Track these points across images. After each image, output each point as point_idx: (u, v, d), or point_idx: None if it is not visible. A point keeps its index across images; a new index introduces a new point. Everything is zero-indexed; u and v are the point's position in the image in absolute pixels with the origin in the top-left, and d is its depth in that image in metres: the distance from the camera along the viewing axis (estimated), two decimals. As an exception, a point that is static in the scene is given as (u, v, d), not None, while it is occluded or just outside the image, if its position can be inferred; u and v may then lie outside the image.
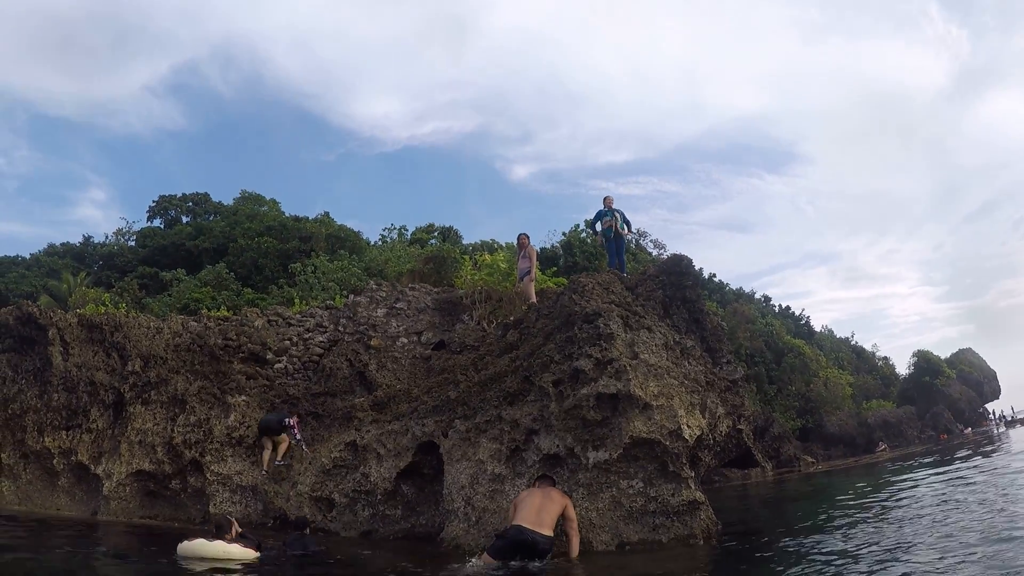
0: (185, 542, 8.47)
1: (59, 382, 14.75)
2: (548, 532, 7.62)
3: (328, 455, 12.14)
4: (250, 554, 8.33)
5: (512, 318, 13.34)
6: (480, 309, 15.09)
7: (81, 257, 44.33)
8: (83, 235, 50.90)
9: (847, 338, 62.94)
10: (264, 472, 12.54)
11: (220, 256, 35.20)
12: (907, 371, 57.19)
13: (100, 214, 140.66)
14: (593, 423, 8.98)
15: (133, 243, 45.80)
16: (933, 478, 15.06)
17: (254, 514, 12.57)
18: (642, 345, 9.79)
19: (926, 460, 21.36)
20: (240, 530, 8.82)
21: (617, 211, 15.03)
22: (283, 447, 12.60)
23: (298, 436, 12.51)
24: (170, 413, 13.87)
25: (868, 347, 64.11)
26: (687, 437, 8.82)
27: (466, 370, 11.55)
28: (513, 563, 7.41)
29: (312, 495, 12.00)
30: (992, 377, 63.06)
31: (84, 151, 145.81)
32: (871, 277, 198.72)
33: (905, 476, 16.91)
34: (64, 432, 14.54)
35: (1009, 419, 61.71)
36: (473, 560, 7.68)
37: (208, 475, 13.00)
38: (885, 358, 63.45)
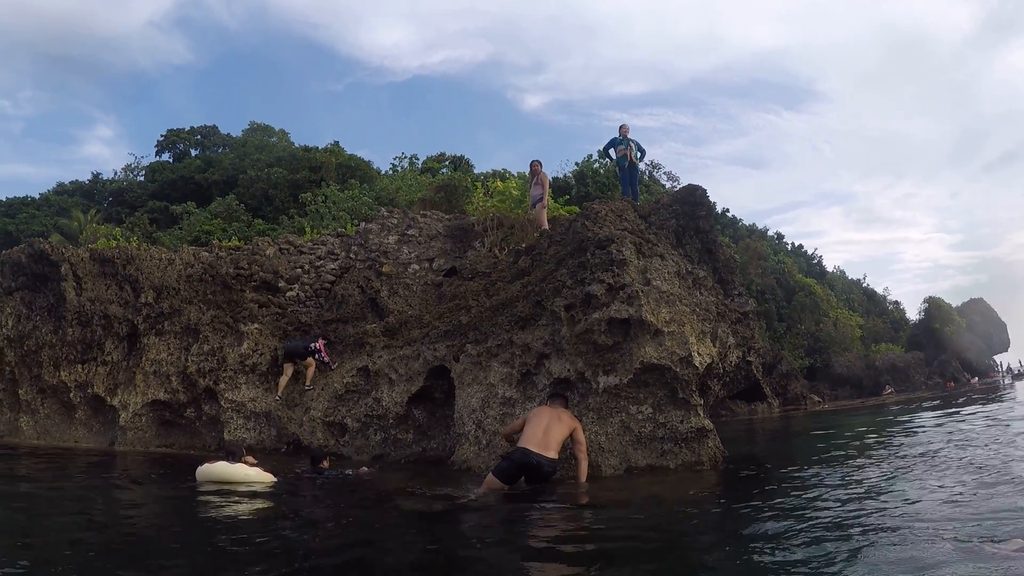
0: (205, 465, 8.60)
1: (73, 317, 14.87)
2: (553, 455, 7.64)
3: (340, 380, 12.25)
4: (268, 478, 8.46)
5: (524, 245, 13.27)
6: (492, 236, 14.99)
7: (91, 194, 44.27)
8: (92, 172, 50.85)
9: (859, 280, 62.57)
10: (278, 397, 12.68)
11: (230, 188, 35.07)
12: (917, 317, 56.93)
13: (108, 151, 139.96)
14: (604, 348, 8.98)
15: (142, 178, 45.70)
16: (937, 421, 15.10)
17: (268, 440, 12.78)
18: (654, 272, 9.73)
19: (931, 405, 21.40)
20: (252, 460, 8.92)
21: (632, 140, 14.79)
22: (310, 371, 12.65)
23: (326, 359, 12.64)
24: (184, 343, 14.01)
25: (879, 290, 63.78)
26: (697, 364, 8.82)
27: (478, 296, 11.55)
28: (517, 484, 7.51)
29: (325, 420, 12.16)
30: (1002, 329, 62.59)
31: (89, 89, 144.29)
32: (886, 220, 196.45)
33: (910, 418, 16.98)
34: (80, 366, 14.72)
35: (1017, 372, 61.72)
36: (476, 491, 7.66)
37: (222, 402, 13.19)
38: (896, 302, 63.22)
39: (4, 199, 43.05)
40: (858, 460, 9.06)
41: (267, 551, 5.45)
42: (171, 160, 47.80)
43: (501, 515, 6.65)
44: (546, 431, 7.69)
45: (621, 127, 15.02)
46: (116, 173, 48.42)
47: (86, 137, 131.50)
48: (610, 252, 9.52)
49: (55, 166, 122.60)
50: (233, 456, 8.65)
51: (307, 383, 12.61)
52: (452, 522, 6.57)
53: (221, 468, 8.43)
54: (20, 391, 15.18)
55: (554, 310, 9.55)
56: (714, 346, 9.94)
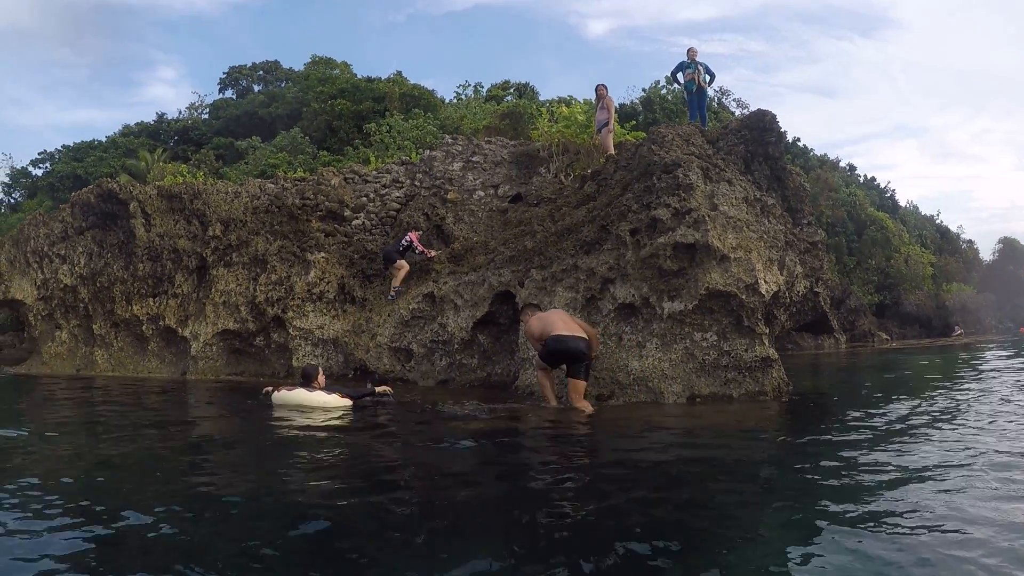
0: (284, 391, 8.78)
1: (143, 252, 15.38)
2: (583, 335, 8.01)
3: (406, 306, 12.42)
4: (345, 403, 8.64)
5: (590, 170, 13.10)
6: (557, 161, 14.85)
7: (156, 134, 44.90)
8: (156, 113, 51.41)
9: (932, 216, 59.72)
10: (391, 296, 12.98)
11: (294, 122, 35.19)
12: (991, 257, 54.70)
13: (172, 92, 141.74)
14: (669, 273, 8.88)
15: (206, 116, 46.25)
16: (1011, 364, 14.51)
17: (335, 366, 13.13)
18: (722, 197, 9.51)
19: (1002, 351, 20.52)
20: (322, 381, 9.12)
21: (700, 64, 14.34)
22: (401, 274, 12.86)
23: (420, 249, 12.91)
24: (252, 273, 14.38)
25: (953, 228, 60.96)
26: (763, 292, 8.66)
27: (543, 221, 11.51)
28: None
29: (391, 346, 12.40)
30: (1080, 274, 59.38)
31: (149, 33, 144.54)
32: (962, 156, 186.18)
33: (983, 359, 16.37)
34: (151, 299, 15.31)
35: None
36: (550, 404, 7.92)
37: (290, 330, 13.55)
38: (970, 241, 60.11)
39: (72, 144, 44.19)
40: (925, 400, 8.78)
41: (337, 465, 5.65)
42: (234, 97, 48.28)
43: (555, 439, 6.70)
44: (565, 321, 8.10)
45: (689, 50, 14.56)
46: (180, 112, 49.06)
47: (149, 79, 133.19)
48: (676, 176, 9.33)
49: (120, 109, 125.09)
50: (308, 378, 8.88)
51: (397, 284, 12.81)
52: (515, 443, 6.69)
53: (298, 394, 8.63)
54: (94, 326, 15.89)
55: (619, 234, 9.45)
56: (781, 275, 9.74)
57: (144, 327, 15.30)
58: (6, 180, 46.67)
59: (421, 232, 13.72)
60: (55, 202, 30.59)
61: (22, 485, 4.40)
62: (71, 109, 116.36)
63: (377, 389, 9.22)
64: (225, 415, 9.23)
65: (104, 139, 44.35)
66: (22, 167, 46.10)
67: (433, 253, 13.08)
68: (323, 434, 7.01)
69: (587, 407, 7.85)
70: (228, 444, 6.89)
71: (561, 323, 8.01)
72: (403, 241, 12.96)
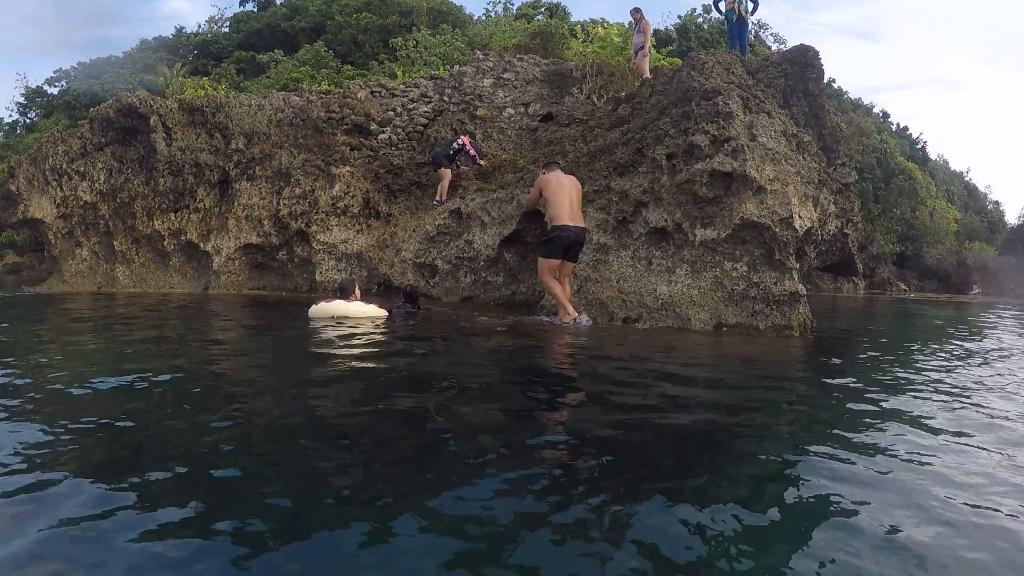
0: (322, 303, 8.69)
1: (164, 167, 15.24)
2: (583, 224, 8.75)
3: (432, 222, 12.38)
4: (383, 312, 8.65)
5: (624, 92, 12.85)
6: (591, 83, 14.58)
7: (175, 49, 44.20)
8: (175, 27, 50.67)
9: (961, 172, 58.82)
10: (436, 201, 13.00)
11: (317, 35, 34.60)
12: (1016, 220, 53.92)
13: (190, 5, 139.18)
14: (704, 200, 8.76)
15: (227, 29, 45.58)
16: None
17: (359, 281, 13.14)
18: (761, 128, 9.31)
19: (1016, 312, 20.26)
20: (358, 296, 9.16)
21: (742, -9, 13.92)
22: (444, 183, 12.72)
23: (472, 153, 12.85)
24: (275, 187, 14.32)
25: (981, 187, 60.00)
26: (797, 227, 8.53)
27: (574, 141, 11.34)
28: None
29: (415, 261, 12.40)
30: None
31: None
32: (999, 114, 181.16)
33: (1004, 318, 16.21)
34: (172, 214, 15.25)
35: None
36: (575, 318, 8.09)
37: (314, 244, 13.57)
38: (996, 202, 59.49)
39: (88, 60, 43.57)
40: (945, 346, 8.68)
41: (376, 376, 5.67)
42: (255, 10, 47.41)
43: (579, 357, 6.68)
44: (571, 205, 8.55)
45: (729, -24, 14.09)
46: (200, 26, 48.40)
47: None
48: (716, 103, 9.12)
49: (138, 25, 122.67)
50: (345, 292, 8.91)
51: (438, 196, 12.71)
52: (541, 360, 6.69)
53: (337, 305, 8.57)
54: (115, 242, 15.84)
55: (655, 158, 9.29)
56: (815, 211, 9.59)
57: (165, 242, 15.29)
58: (21, 100, 46.42)
59: (473, 139, 13.54)
60: (72, 120, 30.34)
61: (42, 405, 4.32)
62: (86, 26, 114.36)
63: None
64: (251, 327, 9.25)
65: (121, 55, 43.76)
66: (37, 86, 45.68)
67: (484, 162, 13.00)
68: (355, 342, 7.02)
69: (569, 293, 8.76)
70: (255, 353, 6.91)
71: (567, 211, 8.42)
72: (454, 144, 12.74)
